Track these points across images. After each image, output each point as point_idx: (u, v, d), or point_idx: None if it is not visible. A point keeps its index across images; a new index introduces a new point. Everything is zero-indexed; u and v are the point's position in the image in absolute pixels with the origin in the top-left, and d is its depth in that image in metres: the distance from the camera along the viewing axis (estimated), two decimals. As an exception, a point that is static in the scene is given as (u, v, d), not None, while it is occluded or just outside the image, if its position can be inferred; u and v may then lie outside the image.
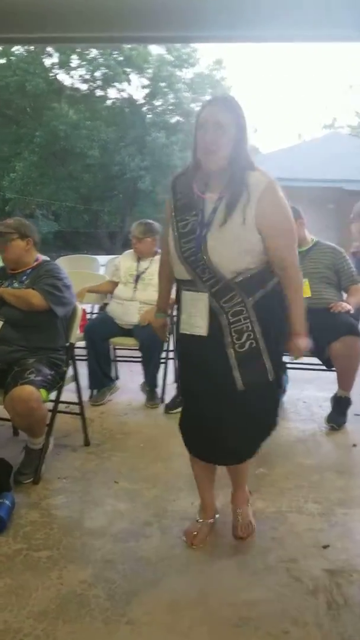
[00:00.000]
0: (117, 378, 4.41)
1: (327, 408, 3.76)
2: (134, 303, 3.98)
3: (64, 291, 3.04)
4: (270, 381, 2.12)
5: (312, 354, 3.55)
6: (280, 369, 2.27)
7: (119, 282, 4.14)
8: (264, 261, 2.07)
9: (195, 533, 2.37)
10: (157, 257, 4.13)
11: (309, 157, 15.92)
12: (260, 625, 1.89)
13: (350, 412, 3.61)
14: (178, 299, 2.21)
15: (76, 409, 3.32)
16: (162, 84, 25.09)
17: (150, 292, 3.99)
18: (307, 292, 3.55)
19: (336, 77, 59.68)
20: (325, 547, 2.31)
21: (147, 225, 4.15)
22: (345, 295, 3.71)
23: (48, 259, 3.42)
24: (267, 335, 2.08)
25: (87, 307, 4.55)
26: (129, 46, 23.27)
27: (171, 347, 4.22)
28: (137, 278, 4.06)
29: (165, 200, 2.26)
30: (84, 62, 24.43)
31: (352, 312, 3.50)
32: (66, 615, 1.95)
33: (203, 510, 2.43)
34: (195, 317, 2.08)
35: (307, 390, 4.24)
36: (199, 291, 2.07)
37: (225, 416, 2.15)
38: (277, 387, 2.29)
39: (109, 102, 26.33)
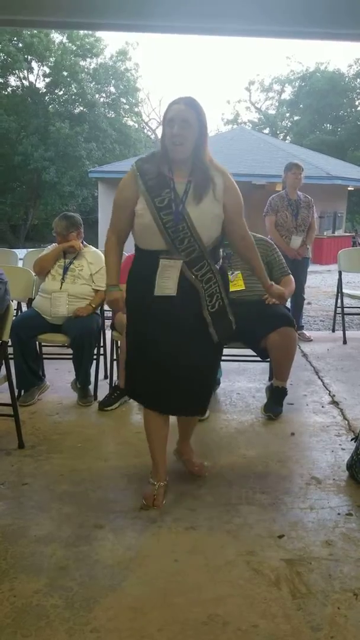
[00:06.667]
0: (43, 376, 4.25)
1: (260, 399, 3.82)
2: (62, 294, 3.85)
3: (0, 288, 2.87)
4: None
5: (247, 345, 3.59)
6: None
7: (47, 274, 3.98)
8: (220, 231, 2.46)
9: (155, 495, 2.57)
10: (86, 250, 4.03)
11: (217, 152, 16.12)
12: (229, 620, 1.88)
13: (284, 401, 3.67)
14: (137, 271, 2.48)
15: (4, 410, 3.17)
16: (65, 73, 24.44)
17: (78, 285, 3.88)
18: (240, 285, 3.58)
19: (237, 73, 60.85)
20: (280, 536, 2.33)
21: (68, 220, 4.02)
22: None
23: None
24: (227, 294, 2.49)
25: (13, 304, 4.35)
26: (29, 32, 22.52)
27: (101, 343, 4.14)
28: (66, 270, 3.92)
29: (125, 182, 2.45)
30: (-19, 48, 23.36)
31: (285, 303, 3.55)
32: (24, 629, 1.85)
33: (157, 472, 2.63)
34: (167, 281, 2.35)
35: (239, 382, 4.27)
36: (173, 259, 2.34)
37: (195, 365, 2.47)
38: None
39: (9, 91, 25.35)
